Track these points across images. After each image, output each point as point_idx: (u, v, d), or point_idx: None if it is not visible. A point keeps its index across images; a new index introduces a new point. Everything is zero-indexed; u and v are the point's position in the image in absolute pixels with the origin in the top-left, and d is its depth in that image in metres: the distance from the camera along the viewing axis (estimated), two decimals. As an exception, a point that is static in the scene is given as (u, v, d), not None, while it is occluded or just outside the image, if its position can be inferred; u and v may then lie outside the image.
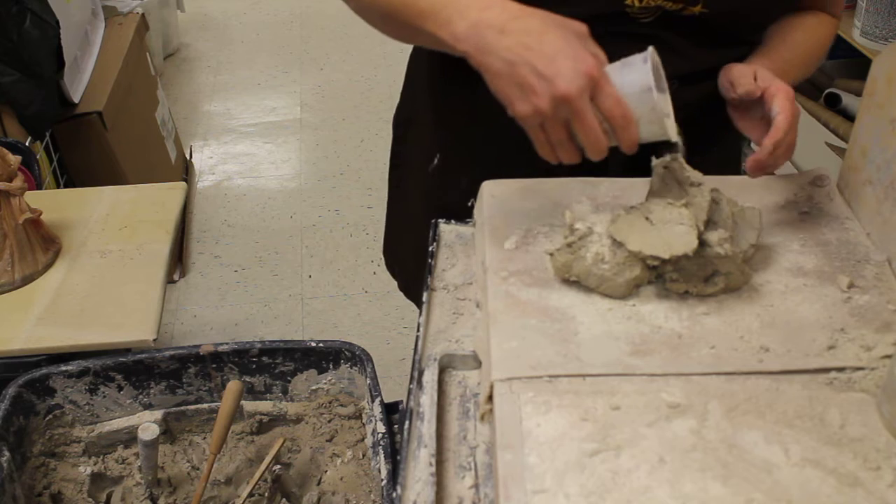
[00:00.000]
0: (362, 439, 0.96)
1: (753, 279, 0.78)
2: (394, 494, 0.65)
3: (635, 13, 0.84)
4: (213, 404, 0.98)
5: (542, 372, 0.68)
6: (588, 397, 0.66)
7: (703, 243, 0.74)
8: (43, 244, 1.17)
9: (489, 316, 0.74)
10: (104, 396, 0.95)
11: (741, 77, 0.82)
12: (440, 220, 0.92)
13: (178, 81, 3.38)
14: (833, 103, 2.12)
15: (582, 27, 0.71)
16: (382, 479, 0.80)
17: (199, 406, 0.99)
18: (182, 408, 0.98)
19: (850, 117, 2.05)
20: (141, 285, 1.14)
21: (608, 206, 0.86)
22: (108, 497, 0.96)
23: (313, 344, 0.95)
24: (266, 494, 0.95)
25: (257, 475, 0.93)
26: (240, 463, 0.98)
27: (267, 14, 3.94)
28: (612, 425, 0.64)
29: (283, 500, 0.96)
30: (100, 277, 1.16)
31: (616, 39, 0.87)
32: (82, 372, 0.93)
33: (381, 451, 0.83)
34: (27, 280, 1.15)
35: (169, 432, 0.99)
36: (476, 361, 0.75)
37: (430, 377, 0.73)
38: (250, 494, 0.92)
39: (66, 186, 1.99)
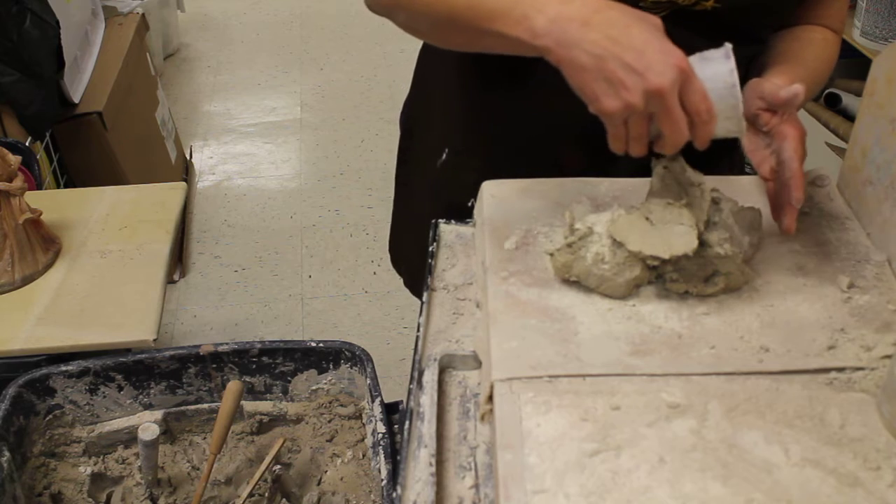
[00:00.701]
0: (362, 439, 0.96)
1: (753, 279, 0.78)
2: (394, 494, 0.65)
3: (648, 8, 0.84)
4: (213, 404, 0.98)
5: (542, 372, 0.68)
6: (588, 397, 0.66)
7: (703, 243, 0.74)
8: (43, 244, 1.17)
9: (489, 316, 0.74)
10: (104, 396, 0.95)
11: (775, 89, 0.80)
12: (440, 221, 0.92)
13: (178, 81, 3.38)
14: (833, 103, 2.12)
15: (658, 20, 0.69)
16: (382, 479, 0.80)
17: (199, 406, 0.99)
18: (182, 408, 0.98)
19: (850, 117, 2.05)
20: (141, 285, 1.14)
21: (608, 206, 0.86)
22: (108, 497, 0.96)
23: (313, 344, 0.95)
24: (266, 494, 0.95)
25: (257, 475, 0.93)
26: (240, 463, 0.98)
27: (267, 14, 3.94)
28: (612, 425, 0.64)
29: (283, 500, 0.96)
30: (100, 277, 1.16)
31: None
32: (82, 372, 0.93)
33: (381, 451, 0.83)
34: (27, 280, 1.15)
35: (169, 432, 0.99)
36: (476, 361, 0.75)
37: (430, 377, 0.73)
38: (250, 494, 0.92)
39: (66, 186, 1.99)
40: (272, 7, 3.99)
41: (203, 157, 2.93)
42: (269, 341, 0.95)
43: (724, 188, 0.81)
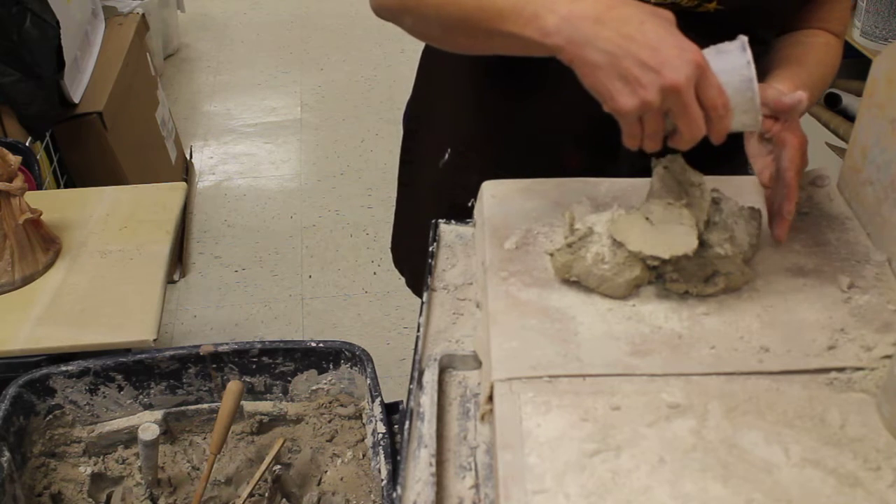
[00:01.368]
0: (362, 439, 0.96)
1: (753, 279, 0.78)
2: (394, 494, 0.65)
3: None
4: (213, 404, 0.98)
5: (542, 372, 0.68)
6: (588, 397, 0.66)
7: (703, 243, 0.74)
8: (43, 244, 1.17)
9: (489, 316, 0.74)
10: (104, 396, 0.95)
11: (779, 95, 0.79)
12: (440, 221, 0.92)
13: (178, 81, 3.38)
14: (833, 103, 2.12)
15: (670, 15, 0.69)
16: (382, 479, 0.80)
17: (199, 406, 0.99)
18: (182, 408, 0.98)
19: (850, 117, 2.05)
20: (141, 285, 1.14)
21: (608, 206, 0.86)
22: (108, 497, 0.96)
23: (313, 344, 0.95)
24: (266, 494, 0.95)
25: (257, 475, 0.93)
26: (240, 463, 0.98)
27: (267, 14, 3.94)
28: (612, 425, 0.64)
29: (283, 500, 0.96)
30: (100, 277, 1.16)
31: None
32: (82, 372, 0.93)
33: (382, 451, 0.83)
34: (27, 280, 1.15)
35: (169, 432, 0.99)
36: (476, 361, 0.75)
37: (430, 377, 0.73)
38: (250, 494, 0.92)
39: (66, 186, 1.99)
40: (272, 7, 3.99)
41: (203, 157, 2.93)
42: (269, 341, 0.95)
43: (724, 188, 0.81)
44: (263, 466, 0.93)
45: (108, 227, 1.25)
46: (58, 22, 1.87)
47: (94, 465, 0.96)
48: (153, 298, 1.12)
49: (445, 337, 0.78)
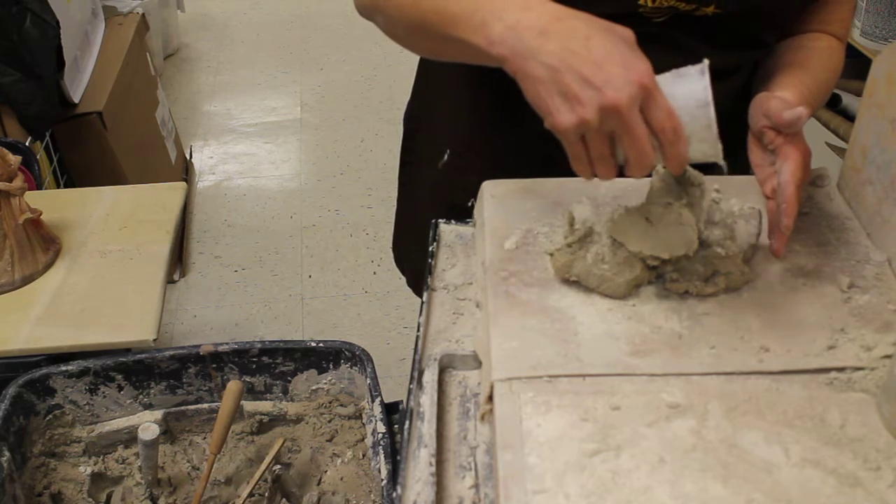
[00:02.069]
0: (362, 439, 0.96)
1: (753, 279, 0.78)
2: (394, 494, 0.65)
3: (648, 13, 0.84)
4: (213, 404, 0.98)
5: (542, 372, 0.68)
6: (588, 397, 0.66)
7: (703, 243, 0.74)
8: (43, 244, 1.17)
9: (489, 316, 0.74)
10: (104, 396, 0.95)
11: (780, 109, 0.78)
12: (440, 221, 0.92)
13: (178, 81, 3.38)
14: (833, 103, 2.12)
15: (629, 32, 0.65)
16: (382, 479, 0.80)
17: (199, 406, 0.99)
18: (182, 408, 0.98)
19: (850, 117, 2.05)
20: (141, 285, 1.14)
21: (608, 206, 0.86)
22: (108, 497, 0.96)
23: (313, 344, 0.95)
24: (266, 494, 0.95)
25: (257, 475, 0.93)
26: (240, 463, 0.98)
27: (267, 14, 3.94)
28: (612, 425, 0.64)
29: (283, 500, 0.96)
30: (100, 277, 1.16)
31: None
32: (82, 372, 0.93)
33: (381, 451, 0.83)
34: (27, 280, 1.15)
35: (169, 432, 0.99)
36: (476, 361, 0.75)
37: (430, 377, 0.73)
38: (250, 494, 0.92)
39: (66, 186, 1.99)
40: (272, 7, 3.99)
41: (203, 157, 2.93)
42: (269, 341, 0.95)
43: (724, 188, 0.81)
44: (263, 466, 0.93)
45: (108, 227, 1.25)
46: (58, 22, 1.87)
47: (94, 464, 0.96)
48: (153, 298, 1.12)
49: (445, 337, 0.78)
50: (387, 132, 2.98)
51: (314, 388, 0.97)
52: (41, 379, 0.92)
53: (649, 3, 0.83)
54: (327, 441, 0.98)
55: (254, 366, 0.96)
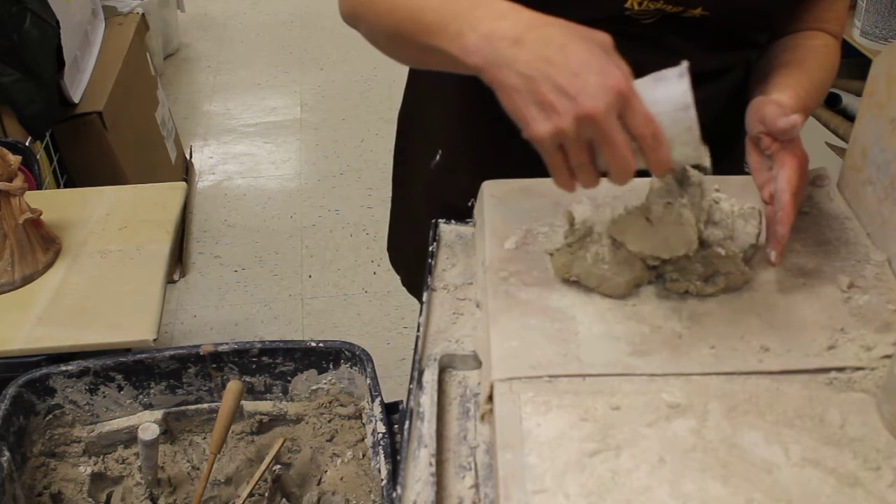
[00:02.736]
0: (362, 439, 0.96)
1: (753, 279, 0.78)
2: (394, 494, 0.65)
3: (635, 15, 0.84)
4: (213, 404, 0.98)
5: (542, 372, 0.68)
6: (588, 397, 0.66)
7: (703, 243, 0.74)
8: (43, 244, 1.17)
9: (489, 316, 0.74)
10: (104, 396, 0.95)
11: (774, 117, 0.77)
12: (440, 220, 0.92)
13: (178, 81, 3.38)
14: (833, 103, 2.12)
15: (606, 38, 0.64)
16: (382, 479, 0.80)
17: (199, 406, 0.99)
18: (182, 408, 0.98)
19: (850, 117, 2.05)
20: (141, 285, 1.14)
21: (608, 206, 0.86)
22: (108, 497, 0.96)
23: (313, 344, 0.95)
24: (266, 494, 0.95)
25: (257, 475, 0.93)
26: (240, 463, 0.98)
27: (267, 14, 3.94)
28: (612, 425, 0.64)
29: (283, 500, 0.96)
30: (100, 277, 1.16)
31: (617, 42, 0.87)
32: (82, 372, 0.93)
33: (381, 451, 0.83)
34: (27, 280, 1.15)
35: (169, 432, 0.99)
36: (476, 361, 0.75)
37: (430, 377, 0.73)
38: (250, 494, 0.92)
39: (66, 186, 1.99)
40: (272, 7, 3.99)
41: (203, 157, 2.93)
42: (269, 341, 0.95)
43: (724, 188, 0.81)
44: (263, 466, 0.93)
45: (108, 227, 1.25)
46: (58, 22, 1.87)
47: (94, 464, 0.96)
48: (153, 298, 1.12)
49: (445, 337, 0.78)
50: (387, 132, 2.98)
51: (314, 388, 0.97)
52: (41, 379, 0.92)
53: (636, 6, 0.83)
54: (327, 441, 0.98)
55: (254, 366, 0.96)
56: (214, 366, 0.96)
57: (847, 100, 2.09)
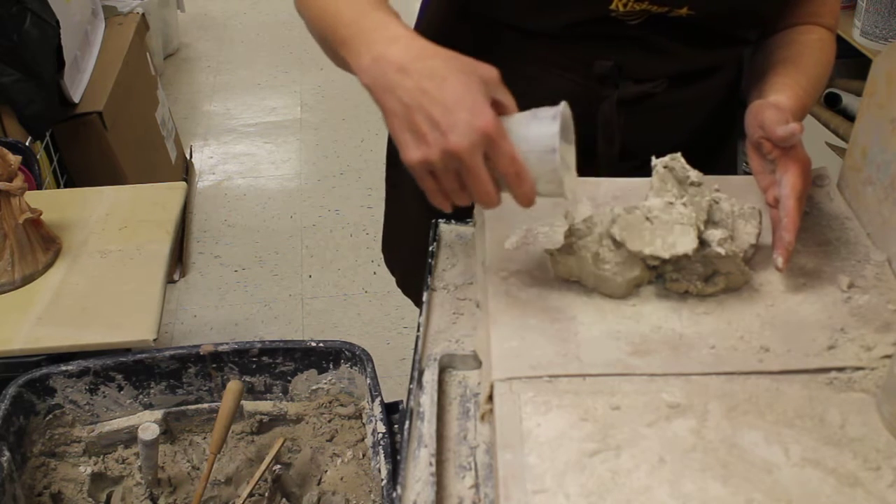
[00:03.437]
0: (362, 439, 0.96)
1: (753, 279, 0.78)
2: (394, 494, 0.65)
3: (621, 17, 0.84)
4: (213, 404, 0.98)
5: (542, 372, 0.68)
6: (588, 397, 0.66)
7: (703, 243, 0.74)
8: (43, 244, 1.17)
9: (489, 316, 0.74)
10: (104, 396, 0.95)
11: (773, 124, 0.77)
12: (440, 220, 0.92)
13: (178, 81, 3.38)
14: (833, 103, 2.12)
15: (492, 72, 0.67)
16: (382, 479, 0.80)
17: (199, 406, 0.99)
18: (182, 408, 0.98)
19: (850, 117, 2.05)
20: (141, 285, 1.14)
21: (608, 206, 0.86)
22: (108, 497, 0.96)
23: (313, 344, 0.95)
24: (266, 494, 0.95)
25: (257, 475, 0.93)
26: (240, 463, 0.98)
27: (267, 14, 3.94)
28: (612, 425, 0.64)
29: (283, 500, 0.96)
30: (100, 277, 1.16)
31: (604, 42, 0.87)
32: (82, 372, 0.93)
33: (381, 451, 0.83)
34: (27, 280, 1.15)
35: (169, 432, 0.99)
36: (476, 361, 0.75)
37: (430, 377, 0.73)
38: (250, 494, 0.92)
39: (66, 186, 1.99)
40: (272, 7, 3.99)
41: (203, 157, 2.93)
42: (269, 341, 0.95)
43: (724, 188, 0.81)
44: (263, 466, 0.93)
45: (108, 227, 1.25)
46: (58, 22, 1.87)
47: (94, 464, 0.96)
48: (153, 298, 1.12)
49: (445, 337, 0.78)
50: (386, 132, 2.97)
51: (314, 387, 0.97)
52: (41, 379, 0.92)
53: (621, 7, 0.83)
54: (327, 441, 0.98)
55: (254, 366, 0.96)
56: (214, 366, 0.96)
57: (847, 100, 2.09)
